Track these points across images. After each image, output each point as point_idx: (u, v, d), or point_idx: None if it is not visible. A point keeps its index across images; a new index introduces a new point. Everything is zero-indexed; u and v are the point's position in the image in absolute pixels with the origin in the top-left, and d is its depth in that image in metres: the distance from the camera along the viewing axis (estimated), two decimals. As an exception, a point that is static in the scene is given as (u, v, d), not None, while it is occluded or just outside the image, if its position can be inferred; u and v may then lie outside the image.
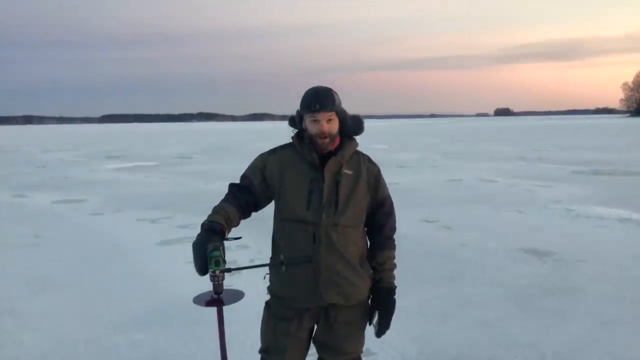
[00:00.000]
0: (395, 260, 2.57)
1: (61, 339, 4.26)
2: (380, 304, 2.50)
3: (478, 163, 19.20)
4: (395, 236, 2.58)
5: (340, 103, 2.43)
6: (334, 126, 2.40)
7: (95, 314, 4.79)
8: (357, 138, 2.53)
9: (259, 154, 2.55)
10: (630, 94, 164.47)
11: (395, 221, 2.58)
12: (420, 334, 4.26)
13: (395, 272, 2.57)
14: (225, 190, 2.50)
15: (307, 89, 2.45)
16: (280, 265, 2.25)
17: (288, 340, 2.46)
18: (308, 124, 2.40)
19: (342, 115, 2.43)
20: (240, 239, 2.44)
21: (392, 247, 2.55)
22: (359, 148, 2.54)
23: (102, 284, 5.68)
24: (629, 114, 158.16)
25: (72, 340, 4.22)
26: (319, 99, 2.37)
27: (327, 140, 2.38)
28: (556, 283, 5.48)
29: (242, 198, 2.44)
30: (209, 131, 79.04)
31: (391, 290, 2.52)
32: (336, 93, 2.43)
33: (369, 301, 2.55)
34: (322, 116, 2.36)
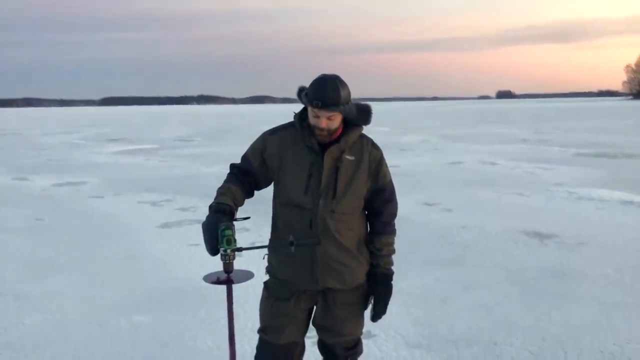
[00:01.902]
0: (394, 246, 2.54)
1: (63, 321, 4.27)
2: (376, 289, 2.49)
3: (479, 146, 19.15)
4: (396, 220, 2.55)
5: (347, 97, 2.29)
6: (334, 123, 2.32)
7: (97, 296, 4.80)
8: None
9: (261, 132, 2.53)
10: (633, 76, 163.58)
11: (396, 207, 2.53)
12: (422, 316, 4.27)
13: (395, 256, 2.55)
14: (226, 172, 2.50)
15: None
16: (290, 245, 2.23)
17: (285, 319, 2.46)
18: (310, 114, 2.34)
19: (346, 113, 2.32)
20: (249, 219, 2.45)
21: (391, 232, 2.52)
22: (363, 131, 2.48)
23: (102, 266, 5.68)
24: (631, 97, 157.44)
25: (73, 322, 4.23)
26: (322, 96, 2.24)
27: (325, 134, 2.33)
28: (558, 266, 5.48)
29: (244, 179, 2.45)
30: (209, 114, 78.89)
31: (387, 276, 2.50)
32: (344, 86, 2.29)
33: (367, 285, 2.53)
34: (323, 114, 2.28)
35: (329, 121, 2.30)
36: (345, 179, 2.36)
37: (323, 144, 2.36)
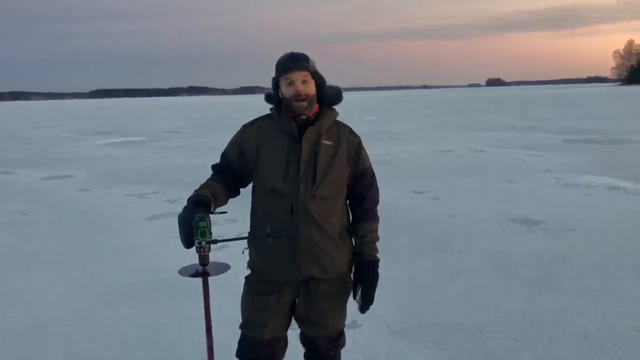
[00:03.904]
0: (378, 233, 2.52)
1: (47, 314, 4.23)
2: (363, 277, 2.45)
3: (469, 133, 19.16)
4: (382, 207, 2.52)
5: (315, 65, 2.37)
6: (310, 88, 2.34)
7: (82, 290, 4.77)
8: (338, 109, 2.48)
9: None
10: (621, 62, 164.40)
11: (377, 193, 2.52)
12: (407, 304, 4.26)
13: (382, 244, 2.53)
14: (215, 162, 2.49)
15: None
16: (267, 237, 2.20)
17: (268, 314, 2.43)
18: (283, 88, 2.35)
19: (317, 78, 2.37)
20: (226, 213, 2.42)
21: (374, 219, 2.50)
22: (340, 119, 2.48)
23: (88, 259, 5.64)
24: (620, 82, 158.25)
25: (57, 316, 4.19)
26: (292, 59, 2.33)
27: (305, 103, 2.32)
28: (544, 252, 5.49)
29: (226, 176, 2.41)
30: (199, 105, 78.48)
31: (373, 263, 2.47)
32: (312, 58, 2.37)
33: (352, 275, 2.50)
34: (297, 76, 2.31)
35: (304, 85, 2.32)
36: (324, 163, 2.34)
37: (300, 128, 2.35)
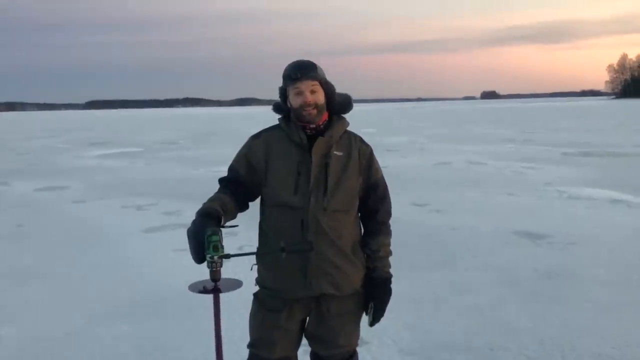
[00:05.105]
0: (390, 247, 2.42)
1: (39, 332, 4.08)
2: (376, 294, 2.35)
3: (467, 146, 19.12)
4: (390, 221, 2.43)
5: (323, 74, 2.28)
6: (319, 97, 2.25)
7: (77, 305, 4.61)
8: (348, 118, 2.39)
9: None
10: (615, 75, 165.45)
11: (390, 205, 2.43)
12: (414, 320, 4.14)
13: (390, 259, 2.43)
14: (212, 174, 2.36)
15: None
16: (281, 251, 2.09)
17: (278, 333, 2.31)
18: (292, 98, 2.25)
19: (326, 87, 2.28)
20: (237, 227, 2.31)
21: (387, 233, 2.41)
22: (350, 128, 2.39)
23: (85, 273, 5.49)
24: (614, 96, 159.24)
25: (51, 333, 4.04)
26: (300, 68, 2.24)
27: (315, 111, 2.23)
28: (550, 267, 5.38)
29: (235, 189, 2.31)
30: (195, 116, 78.43)
31: (387, 280, 2.37)
32: (319, 67, 2.28)
33: (363, 290, 2.39)
34: (305, 86, 2.22)
35: (313, 95, 2.23)
36: (336, 174, 2.24)
37: (310, 138, 2.26)
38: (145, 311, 4.45)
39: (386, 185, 2.43)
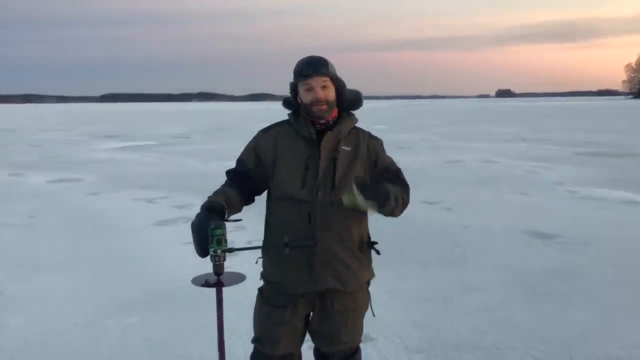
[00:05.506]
0: (404, 199, 2.26)
1: (48, 322, 4.11)
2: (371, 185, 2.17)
3: (479, 144, 19.01)
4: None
5: (334, 70, 2.27)
6: (329, 93, 2.24)
7: (85, 297, 4.65)
8: (357, 114, 2.38)
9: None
10: (633, 75, 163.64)
11: (408, 188, 2.34)
12: (422, 319, 4.12)
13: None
14: (223, 169, 2.41)
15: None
16: (285, 247, 2.10)
17: (282, 329, 2.31)
18: (302, 93, 2.25)
19: (337, 83, 2.27)
20: (240, 221, 2.32)
21: (405, 188, 2.32)
22: (361, 125, 2.38)
23: (95, 265, 5.54)
24: (631, 96, 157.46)
25: (60, 324, 4.07)
26: (311, 64, 2.22)
27: (325, 107, 2.22)
28: (560, 267, 5.34)
29: (241, 183, 2.31)
30: (208, 111, 78.70)
31: (388, 191, 2.17)
32: (330, 63, 2.27)
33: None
34: (316, 82, 2.21)
35: (324, 91, 2.22)
36: (343, 169, 2.24)
37: (319, 133, 2.25)
38: (154, 304, 4.47)
39: (400, 171, 2.38)
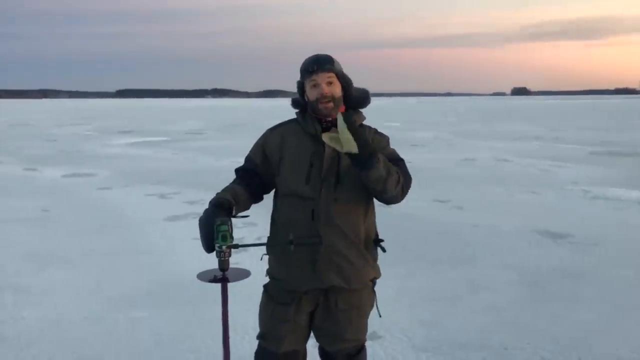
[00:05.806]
0: (394, 178, 2.18)
1: (60, 315, 4.16)
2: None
3: (493, 142, 18.90)
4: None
5: (340, 67, 2.28)
6: (335, 89, 2.24)
7: (96, 291, 4.70)
8: (370, 112, 2.38)
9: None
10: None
11: (410, 179, 2.29)
12: (429, 317, 4.12)
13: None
14: (235, 165, 2.43)
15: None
16: (289, 244, 2.10)
17: (286, 326, 2.32)
18: (308, 90, 2.26)
19: (343, 80, 2.27)
20: (248, 217, 2.35)
21: (404, 174, 2.25)
22: (373, 122, 2.38)
23: (105, 259, 5.59)
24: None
25: (71, 317, 4.12)
26: (316, 61, 2.23)
27: (331, 104, 2.22)
28: (571, 267, 5.30)
29: (250, 180, 2.34)
30: (222, 107, 78.95)
31: (373, 150, 2.13)
32: (336, 60, 2.27)
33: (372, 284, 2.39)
34: (321, 78, 2.21)
35: (330, 87, 2.22)
36: (347, 165, 2.23)
37: (325, 130, 2.25)
38: (163, 298, 4.51)
39: (402, 160, 2.32)
